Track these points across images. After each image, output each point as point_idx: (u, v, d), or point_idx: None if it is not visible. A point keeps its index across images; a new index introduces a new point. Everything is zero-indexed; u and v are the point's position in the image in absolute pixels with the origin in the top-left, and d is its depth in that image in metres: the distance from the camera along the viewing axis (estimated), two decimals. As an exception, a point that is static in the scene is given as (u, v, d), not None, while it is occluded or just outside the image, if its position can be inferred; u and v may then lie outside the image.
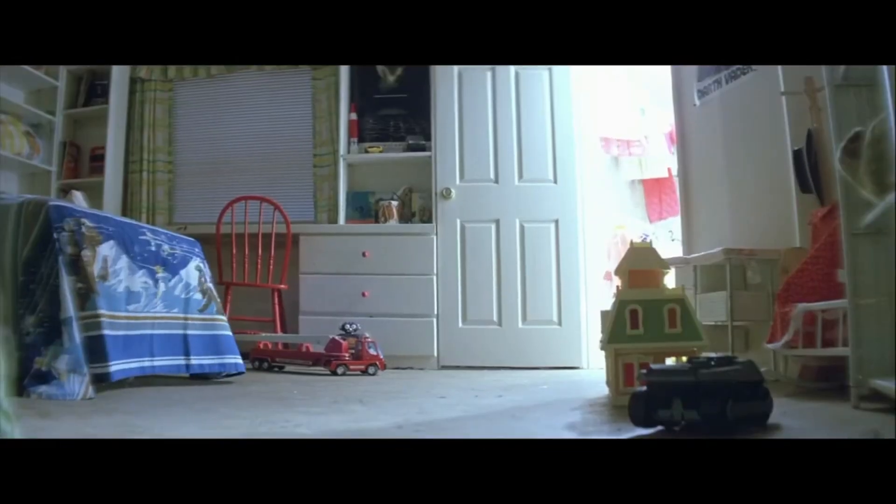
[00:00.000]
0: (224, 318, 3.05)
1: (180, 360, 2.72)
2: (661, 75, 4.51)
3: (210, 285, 3.03)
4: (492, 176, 4.33)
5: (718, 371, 1.63)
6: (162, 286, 2.72)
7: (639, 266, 2.36)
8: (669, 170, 5.18)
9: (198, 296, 2.92)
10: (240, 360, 3.03)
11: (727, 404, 1.55)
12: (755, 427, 1.64)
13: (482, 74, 4.32)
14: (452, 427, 1.73)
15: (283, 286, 4.14)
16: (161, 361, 2.61)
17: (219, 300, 3.08)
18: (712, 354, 1.80)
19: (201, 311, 2.91)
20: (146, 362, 2.52)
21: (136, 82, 4.88)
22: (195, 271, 2.96)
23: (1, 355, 0.58)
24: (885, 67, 1.72)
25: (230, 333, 3.05)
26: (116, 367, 2.27)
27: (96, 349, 2.23)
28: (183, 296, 2.84)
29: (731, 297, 2.86)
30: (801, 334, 2.38)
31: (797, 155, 2.92)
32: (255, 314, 4.15)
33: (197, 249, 3.09)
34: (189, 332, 2.80)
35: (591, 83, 4.65)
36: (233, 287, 4.01)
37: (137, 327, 2.52)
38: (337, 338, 3.56)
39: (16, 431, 0.58)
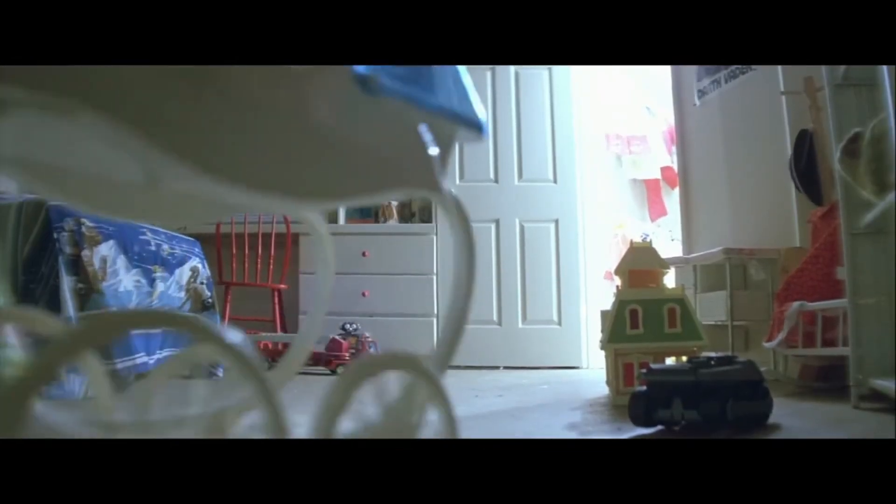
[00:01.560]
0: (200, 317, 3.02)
1: (157, 355, 2.72)
2: (661, 75, 4.51)
3: (199, 286, 3.02)
4: (491, 176, 4.33)
5: (718, 371, 1.63)
6: (160, 286, 2.72)
7: (639, 266, 2.36)
8: (670, 168, 5.18)
9: (181, 294, 2.92)
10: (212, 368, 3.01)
11: (727, 404, 1.55)
12: (755, 427, 1.64)
13: (482, 74, 4.31)
14: (452, 427, 1.72)
15: (282, 286, 4.14)
16: (155, 357, 2.62)
17: (210, 300, 3.07)
18: (712, 354, 1.80)
19: (180, 308, 2.91)
20: (139, 360, 2.53)
21: (135, 82, 4.87)
22: (189, 271, 2.96)
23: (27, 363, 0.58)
24: (885, 67, 1.72)
25: None
26: (121, 364, 2.28)
27: (101, 348, 2.23)
28: (176, 294, 2.85)
29: (730, 296, 2.86)
30: (800, 333, 2.38)
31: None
32: (254, 314, 4.15)
33: (196, 249, 3.10)
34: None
35: (592, 83, 4.65)
36: (233, 287, 4.01)
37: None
38: (337, 337, 3.57)
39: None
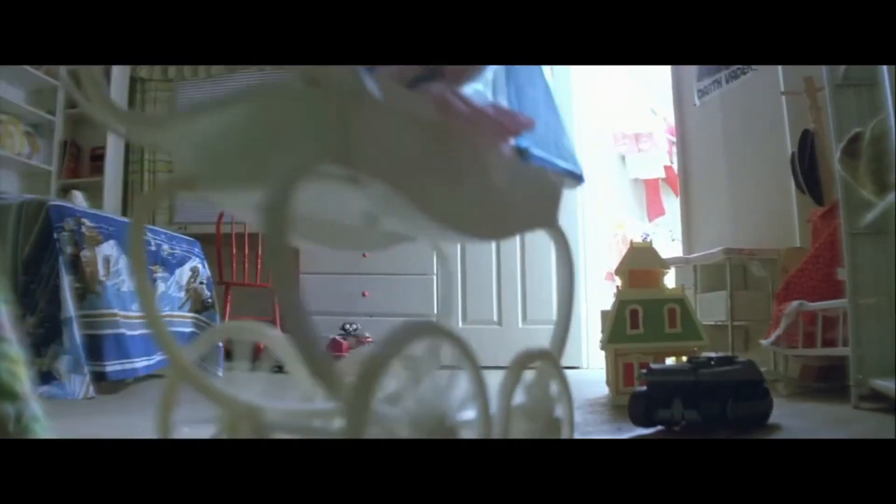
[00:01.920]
0: (200, 317, 3.02)
1: (157, 358, 2.70)
2: (661, 75, 4.51)
3: (199, 286, 3.02)
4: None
5: (718, 371, 1.63)
6: (161, 286, 2.72)
7: (639, 266, 2.36)
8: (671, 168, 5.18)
9: (181, 294, 2.92)
10: (212, 369, 3.01)
11: (727, 404, 1.55)
12: (755, 427, 1.64)
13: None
14: (452, 427, 1.72)
15: (283, 286, 4.13)
16: (153, 360, 2.61)
17: (209, 300, 3.07)
18: (712, 354, 1.81)
19: (180, 308, 2.91)
20: (141, 362, 2.51)
21: (136, 82, 4.87)
22: (189, 271, 2.96)
23: (24, 359, 0.59)
24: (885, 67, 1.72)
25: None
26: (112, 367, 2.27)
27: (93, 349, 2.23)
28: (176, 294, 2.85)
29: (731, 296, 2.86)
30: (801, 334, 2.38)
31: (791, 157, 2.93)
32: (255, 314, 4.15)
33: (196, 249, 3.10)
34: (171, 329, 2.80)
35: (592, 83, 4.65)
36: (233, 287, 4.01)
37: (138, 327, 2.52)
38: (338, 338, 3.57)
39: (48, 433, 0.59)
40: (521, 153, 0.89)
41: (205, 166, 0.73)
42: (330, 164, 0.63)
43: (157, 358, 2.60)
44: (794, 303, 2.38)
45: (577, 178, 1.05)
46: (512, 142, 0.88)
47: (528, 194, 0.96)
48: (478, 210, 0.85)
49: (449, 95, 0.78)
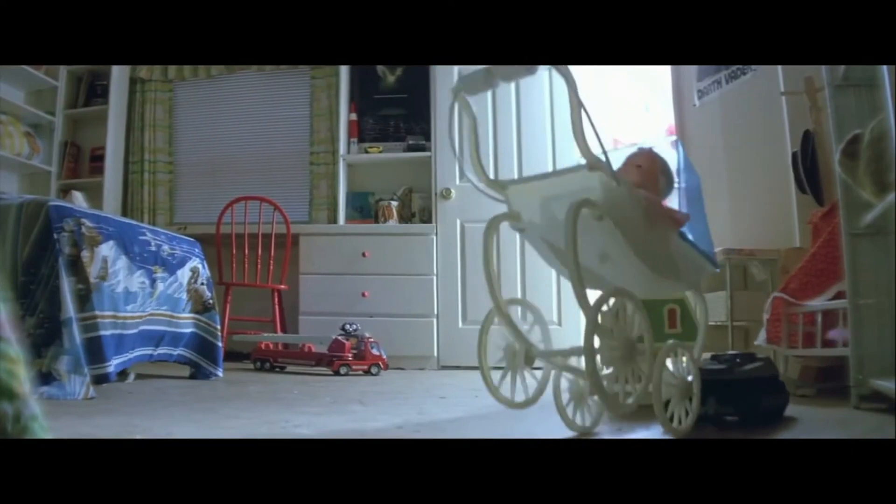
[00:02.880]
0: (201, 318, 3.04)
1: (150, 351, 2.71)
2: (661, 75, 4.51)
3: (199, 286, 3.02)
4: (491, 176, 4.31)
5: (752, 367, 1.72)
6: (160, 286, 2.71)
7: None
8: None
9: (184, 295, 2.92)
10: (213, 369, 3.04)
11: (760, 399, 1.62)
12: (778, 420, 1.71)
13: (482, 74, 4.30)
14: (452, 427, 1.73)
15: (283, 286, 4.14)
16: (140, 352, 2.62)
17: (210, 301, 3.06)
18: (732, 352, 1.86)
19: (182, 309, 2.91)
20: (131, 355, 2.52)
21: (135, 82, 4.87)
22: (189, 272, 2.95)
23: (23, 359, 0.59)
24: (885, 67, 1.72)
25: (212, 340, 3.05)
26: (110, 367, 2.28)
27: (95, 350, 2.23)
28: (176, 295, 2.85)
29: (731, 297, 2.86)
30: (800, 334, 2.38)
31: (793, 157, 2.93)
32: (254, 314, 4.15)
33: (196, 250, 3.09)
34: (169, 328, 2.81)
35: (592, 82, 4.65)
36: (233, 287, 4.01)
37: (133, 326, 2.52)
38: (340, 338, 3.56)
39: (48, 434, 0.59)
40: (681, 235, 1.59)
41: (530, 209, 1.63)
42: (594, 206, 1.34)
43: (136, 353, 2.58)
44: (774, 294, 2.40)
45: (714, 265, 1.69)
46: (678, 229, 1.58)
47: (687, 263, 1.60)
48: (664, 264, 1.53)
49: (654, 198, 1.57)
